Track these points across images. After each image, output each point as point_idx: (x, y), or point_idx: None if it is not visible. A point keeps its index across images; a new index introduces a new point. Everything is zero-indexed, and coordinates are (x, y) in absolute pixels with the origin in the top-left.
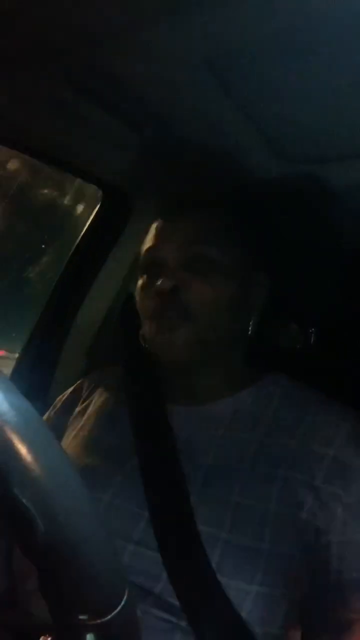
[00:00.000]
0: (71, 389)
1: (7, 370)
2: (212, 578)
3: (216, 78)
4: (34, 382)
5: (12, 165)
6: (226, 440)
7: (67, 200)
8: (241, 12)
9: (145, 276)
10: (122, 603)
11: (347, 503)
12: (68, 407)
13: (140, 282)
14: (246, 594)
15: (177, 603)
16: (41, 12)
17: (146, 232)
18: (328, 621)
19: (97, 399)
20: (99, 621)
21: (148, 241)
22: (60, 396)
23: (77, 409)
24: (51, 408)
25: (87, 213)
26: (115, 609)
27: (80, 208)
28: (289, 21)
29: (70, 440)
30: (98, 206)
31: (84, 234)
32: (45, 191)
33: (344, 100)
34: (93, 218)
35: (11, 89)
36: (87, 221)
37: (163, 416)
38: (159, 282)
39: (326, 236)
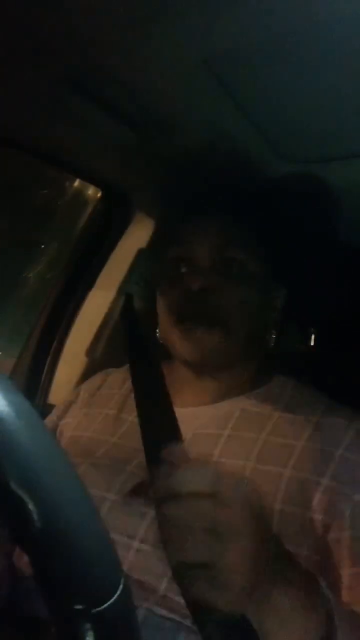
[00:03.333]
0: (74, 391)
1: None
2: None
3: (216, 78)
4: (34, 382)
5: (12, 165)
6: (232, 439)
7: (67, 200)
8: (241, 12)
9: (172, 275)
10: (118, 592)
11: (357, 501)
12: (71, 410)
13: (167, 280)
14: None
15: (181, 601)
16: (41, 12)
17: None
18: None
19: (101, 400)
20: (95, 610)
21: (176, 239)
22: (64, 399)
23: (82, 411)
24: (54, 411)
25: (86, 213)
26: (112, 597)
27: (80, 208)
28: (288, 21)
29: (76, 440)
30: (98, 206)
31: (83, 234)
32: (45, 191)
33: (344, 100)
34: (93, 218)
35: (11, 89)
36: (86, 221)
37: (171, 415)
38: (189, 281)
39: (326, 236)
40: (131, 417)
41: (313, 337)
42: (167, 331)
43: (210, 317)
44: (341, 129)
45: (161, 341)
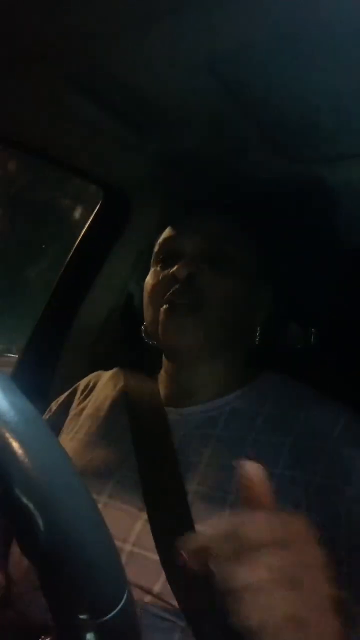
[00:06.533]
0: (68, 391)
1: (8, 370)
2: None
3: (217, 78)
4: (34, 382)
5: (13, 165)
6: (222, 439)
7: (67, 200)
8: (242, 12)
9: (160, 265)
10: (122, 602)
11: (349, 496)
12: (64, 410)
13: (153, 270)
14: None
15: (175, 604)
16: (41, 12)
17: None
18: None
19: (95, 401)
20: (99, 620)
21: (167, 232)
22: (57, 399)
23: (74, 411)
24: (47, 411)
25: (87, 213)
26: (116, 608)
27: (80, 208)
28: (289, 21)
29: (67, 442)
30: (98, 206)
31: (84, 233)
32: (45, 191)
33: (345, 101)
34: (93, 218)
35: (11, 89)
36: (87, 221)
37: (162, 416)
38: (175, 269)
39: (326, 236)
40: (123, 419)
41: (312, 336)
42: (150, 317)
43: (193, 301)
44: (341, 129)
45: (144, 335)
